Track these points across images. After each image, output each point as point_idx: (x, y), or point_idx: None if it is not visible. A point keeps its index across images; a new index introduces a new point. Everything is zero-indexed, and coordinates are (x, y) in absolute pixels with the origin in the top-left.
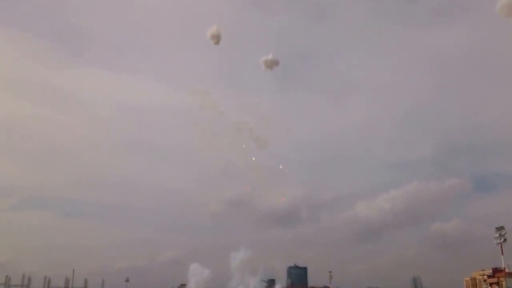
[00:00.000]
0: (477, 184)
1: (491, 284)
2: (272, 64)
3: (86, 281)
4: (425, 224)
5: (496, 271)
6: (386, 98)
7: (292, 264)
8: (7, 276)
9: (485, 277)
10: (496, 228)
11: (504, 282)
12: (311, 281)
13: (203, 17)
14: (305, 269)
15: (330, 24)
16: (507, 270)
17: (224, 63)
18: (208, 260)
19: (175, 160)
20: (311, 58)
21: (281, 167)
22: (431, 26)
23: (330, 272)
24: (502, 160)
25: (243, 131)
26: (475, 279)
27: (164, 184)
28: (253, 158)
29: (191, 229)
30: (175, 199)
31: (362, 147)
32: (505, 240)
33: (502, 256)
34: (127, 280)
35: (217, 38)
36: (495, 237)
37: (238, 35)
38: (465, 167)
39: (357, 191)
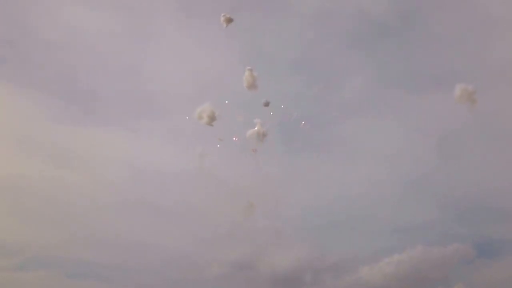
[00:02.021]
0: (480, 250)
1: None
2: (259, 136)
3: None
4: None
5: None
6: (391, 163)
7: None
8: None
9: None
10: None
11: None
12: None
13: (208, 82)
14: None
15: (336, 89)
16: None
17: (227, 126)
18: None
19: (179, 222)
20: (316, 121)
21: (284, 230)
22: (438, 93)
23: None
24: (505, 227)
25: (244, 195)
26: None
27: (167, 246)
28: (256, 221)
29: None
30: (177, 261)
31: (366, 211)
32: None
33: None
34: None
35: (210, 119)
36: None
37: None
38: (469, 233)
39: (361, 255)
